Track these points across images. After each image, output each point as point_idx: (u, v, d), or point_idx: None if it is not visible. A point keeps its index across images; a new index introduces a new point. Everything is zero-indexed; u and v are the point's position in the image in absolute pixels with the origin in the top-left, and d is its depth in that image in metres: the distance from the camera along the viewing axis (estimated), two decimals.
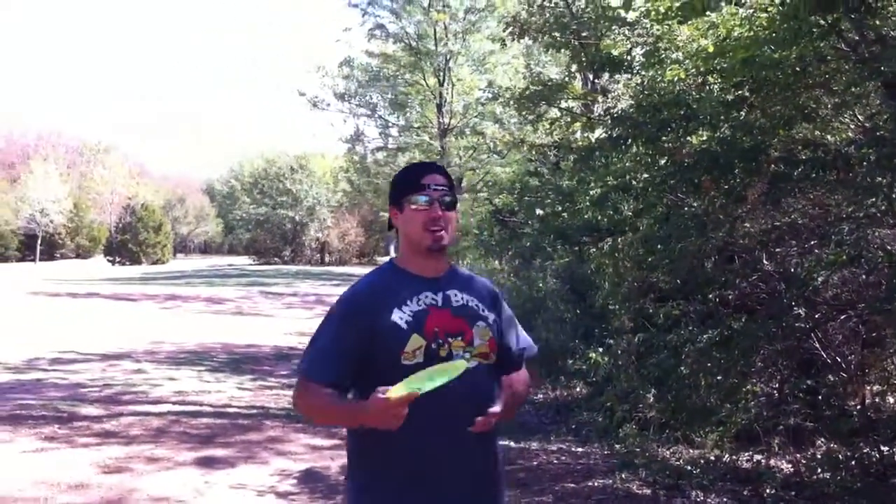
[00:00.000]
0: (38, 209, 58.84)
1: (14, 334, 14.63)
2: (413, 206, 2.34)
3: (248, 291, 27.43)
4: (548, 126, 12.23)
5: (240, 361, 12.24)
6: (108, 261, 57.02)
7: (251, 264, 52.25)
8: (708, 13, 6.01)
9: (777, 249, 5.81)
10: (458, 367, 2.17)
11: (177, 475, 6.10)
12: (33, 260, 57.78)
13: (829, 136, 5.48)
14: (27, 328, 15.58)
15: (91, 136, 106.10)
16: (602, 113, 10.05)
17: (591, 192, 8.32)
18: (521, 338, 2.57)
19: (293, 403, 2.41)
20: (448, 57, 26.50)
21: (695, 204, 6.21)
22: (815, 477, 5.35)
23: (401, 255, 2.43)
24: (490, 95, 23.07)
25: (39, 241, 59.71)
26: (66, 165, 70.78)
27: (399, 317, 2.27)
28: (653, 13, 7.27)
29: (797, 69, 5.21)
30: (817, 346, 5.59)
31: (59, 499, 5.48)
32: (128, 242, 56.55)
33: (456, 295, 2.39)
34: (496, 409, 2.33)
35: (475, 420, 2.25)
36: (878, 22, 4.89)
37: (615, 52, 8.94)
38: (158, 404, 8.67)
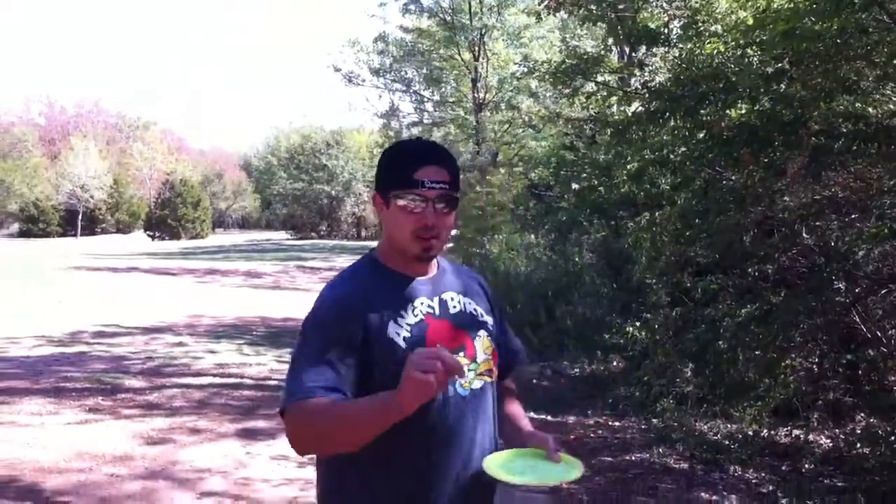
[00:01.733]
0: (78, 185, 59.54)
1: (57, 308, 14.90)
2: (401, 204, 1.87)
3: (286, 266, 27.64)
4: (584, 100, 12.11)
5: (278, 335, 12.36)
6: (148, 236, 57.67)
7: (288, 239, 52.61)
8: None
9: (817, 223, 5.76)
10: (571, 472, 1.89)
11: (219, 446, 6.20)
12: (74, 235, 58.61)
13: (870, 109, 5.40)
14: (70, 302, 15.84)
15: (130, 110, 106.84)
16: (639, 87, 9.95)
17: (629, 167, 8.28)
18: (513, 341, 2.21)
19: (292, 444, 1.76)
20: (483, 31, 26.29)
21: (734, 178, 6.17)
22: (854, 452, 5.33)
23: (383, 251, 1.99)
24: (525, 70, 22.84)
25: (80, 217, 60.51)
26: (106, 142, 71.46)
27: (396, 332, 1.84)
28: None
29: (838, 41, 5.13)
30: (857, 320, 5.55)
31: (103, 469, 5.59)
32: (167, 218, 57.08)
33: (452, 299, 1.98)
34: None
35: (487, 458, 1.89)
36: None
37: (652, 25, 8.86)
38: (200, 377, 8.80)
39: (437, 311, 1.93)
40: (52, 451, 5.94)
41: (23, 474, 5.42)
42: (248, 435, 6.53)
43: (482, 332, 1.99)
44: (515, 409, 2.17)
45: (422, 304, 1.91)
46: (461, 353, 1.90)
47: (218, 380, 8.65)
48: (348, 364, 1.78)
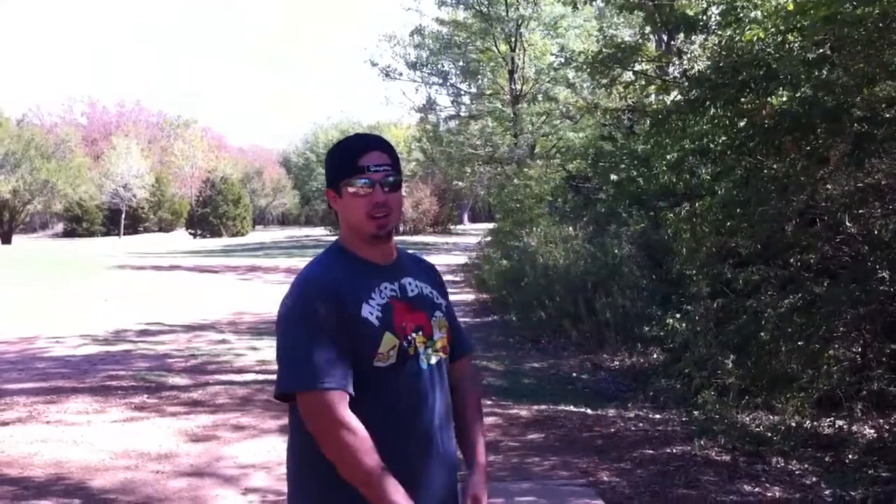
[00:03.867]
0: (121, 184, 60.33)
1: (102, 307, 15.12)
2: (352, 191, 2.06)
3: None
4: (622, 90, 12.06)
5: None
6: (190, 234, 58.26)
7: (328, 234, 52.74)
8: None
9: (860, 211, 5.67)
10: None
11: (262, 443, 6.24)
12: (118, 234, 59.45)
13: None
14: (114, 301, 16.08)
15: (170, 109, 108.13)
16: (678, 75, 9.88)
17: (668, 157, 8.20)
18: (460, 329, 2.35)
19: (316, 429, 1.97)
20: (519, 22, 26.19)
21: (775, 166, 6.10)
22: None
23: (345, 239, 2.16)
24: (562, 60, 22.74)
25: (123, 216, 61.37)
26: (147, 141, 72.34)
27: (369, 312, 2.02)
28: None
29: (880, 25, 5.04)
30: None
31: (149, 467, 5.64)
32: (208, 215, 57.61)
33: (410, 283, 2.16)
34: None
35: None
36: None
37: (690, 12, 8.77)
38: (242, 373, 8.87)
39: (398, 294, 2.11)
40: (98, 450, 6.00)
41: (70, 472, 5.50)
42: None
43: (438, 313, 2.19)
44: (471, 413, 2.30)
45: (385, 287, 2.10)
46: (420, 332, 2.10)
47: (260, 376, 8.70)
48: (343, 343, 1.97)
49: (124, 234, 59.31)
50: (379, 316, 2.03)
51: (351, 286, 2.04)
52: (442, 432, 2.13)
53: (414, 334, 2.08)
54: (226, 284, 20.18)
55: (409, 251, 2.35)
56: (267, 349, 10.48)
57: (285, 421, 6.73)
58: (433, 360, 2.12)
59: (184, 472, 5.58)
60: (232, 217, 58.62)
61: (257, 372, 8.95)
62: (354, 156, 2.08)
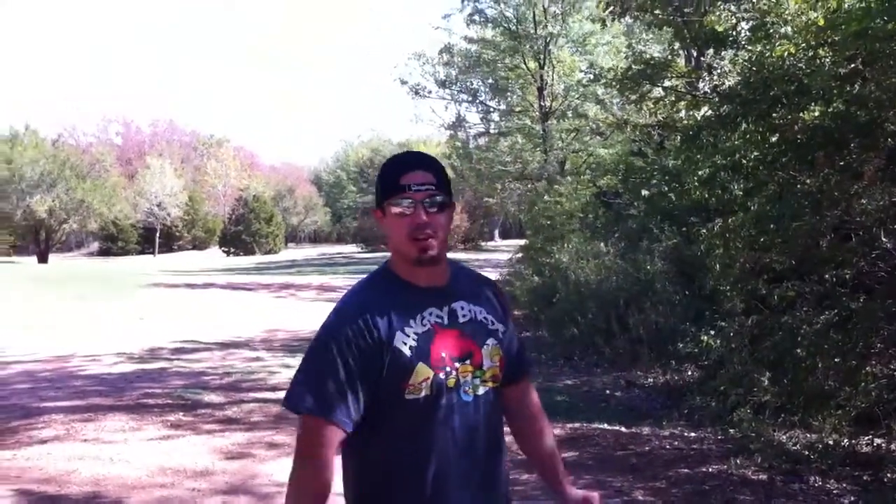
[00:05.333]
0: (155, 203, 61.00)
1: (138, 324, 15.31)
2: (394, 211, 1.97)
3: (358, 279, 27.81)
4: (651, 106, 12.04)
5: None
6: (223, 252, 58.72)
7: (359, 252, 53.00)
8: None
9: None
10: None
11: None
12: (152, 252, 60.07)
13: None
14: (149, 318, 16.26)
15: (203, 128, 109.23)
16: (708, 91, 9.85)
17: (699, 172, 8.17)
18: (523, 353, 2.30)
19: (296, 449, 1.97)
20: (548, 39, 26.24)
21: (808, 181, 6.06)
22: None
23: (392, 261, 2.08)
24: (591, 77, 22.76)
25: (158, 234, 62.03)
26: (181, 160, 73.13)
27: (403, 341, 1.93)
28: None
29: None
30: None
31: (185, 484, 5.70)
32: (241, 233, 58.07)
33: (462, 308, 2.05)
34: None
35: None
36: None
37: (720, 28, 8.75)
38: (276, 391, 8.92)
39: (445, 321, 2.01)
40: (135, 467, 6.08)
41: (107, 490, 5.57)
42: None
43: (491, 341, 2.07)
44: (547, 441, 2.26)
45: (430, 313, 2.00)
46: (467, 361, 2.00)
47: None
48: (359, 375, 1.90)
49: (159, 253, 59.91)
50: (413, 346, 1.94)
51: (391, 312, 1.96)
52: (488, 464, 2.05)
53: (458, 364, 1.99)
54: (259, 302, 20.35)
55: (469, 269, 2.27)
56: None
57: None
58: (480, 391, 2.02)
59: (220, 489, 5.62)
60: (264, 235, 59.05)
61: None
62: (397, 174, 1.99)
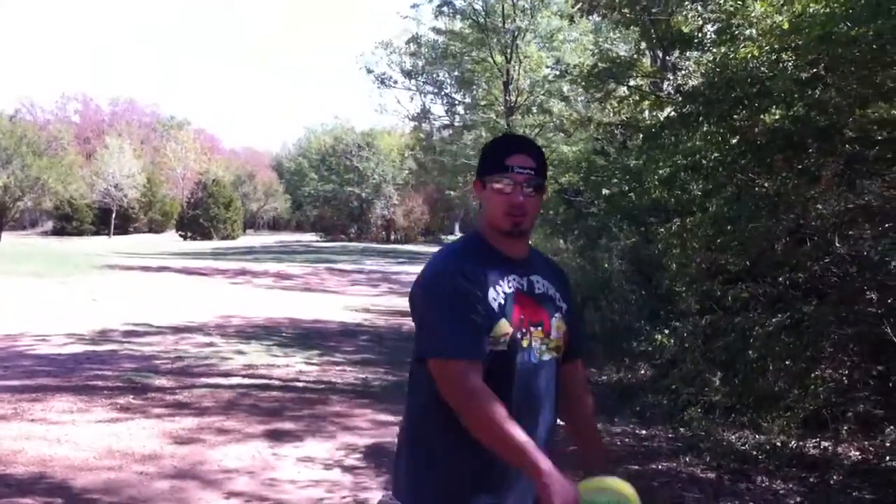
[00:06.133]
0: (112, 184, 60.21)
1: (90, 306, 15.05)
2: (496, 187, 2.18)
3: (315, 268, 27.73)
4: (616, 104, 12.08)
5: (307, 336, 12.40)
6: (180, 235, 58.17)
7: (318, 241, 52.78)
8: None
9: (850, 232, 5.68)
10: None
11: (246, 447, 6.21)
12: (107, 234, 59.29)
13: None
14: (102, 300, 16.00)
15: (164, 109, 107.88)
16: (672, 91, 9.90)
17: (660, 172, 8.21)
18: (582, 334, 2.50)
19: (451, 394, 2.06)
20: (515, 34, 26.27)
21: (766, 184, 6.11)
22: (883, 465, 5.24)
23: (484, 229, 2.27)
24: (557, 73, 22.84)
25: (113, 216, 61.19)
26: (140, 140, 72.29)
27: (493, 297, 2.12)
28: None
29: (874, 46, 5.06)
30: (889, 331, 5.46)
31: (133, 468, 5.60)
32: (199, 218, 57.54)
33: (538, 281, 2.26)
34: None
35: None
36: None
37: (686, 29, 8.79)
38: (228, 377, 8.82)
39: (524, 288, 2.20)
40: (82, 449, 5.97)
41: (53, 471, 5.46)
42: (275, 436, 6.55)
43: (558, 314, 2.27)
44: (589, 413, 2.50)
45: (514, 279, 2.19)
46: (539, 327, 2.19)
47: (246, 380, 8.67)
48: (475, 317, 2.06)
49: (114, 234, 59.12)
50: (500, 302, 2.12)
51: (485, 270, 2.15)
52: (544, 427, 2.21)
53: (532, 328, 2.17)
54: (214, 287, 20.13)
55: (542, 253, 2.47)
56: (254, 353, 10.45)
57: (269, 426, 6.77)
58: (546, 357, 2.20)
59: (167, 474, 5.54)
60: (222, 220, 58.59)
61: (243, 376, 8.92)
62: (502, 154, 2.19)
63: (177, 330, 12.32)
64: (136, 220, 65.83)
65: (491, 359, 2.08)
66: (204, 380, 8.67)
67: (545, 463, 1.95)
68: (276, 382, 8.70)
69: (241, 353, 10.47)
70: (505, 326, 2.11)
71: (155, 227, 67.23)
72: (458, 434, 2.06)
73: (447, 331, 2.07)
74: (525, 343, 2.15)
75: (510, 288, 2.16)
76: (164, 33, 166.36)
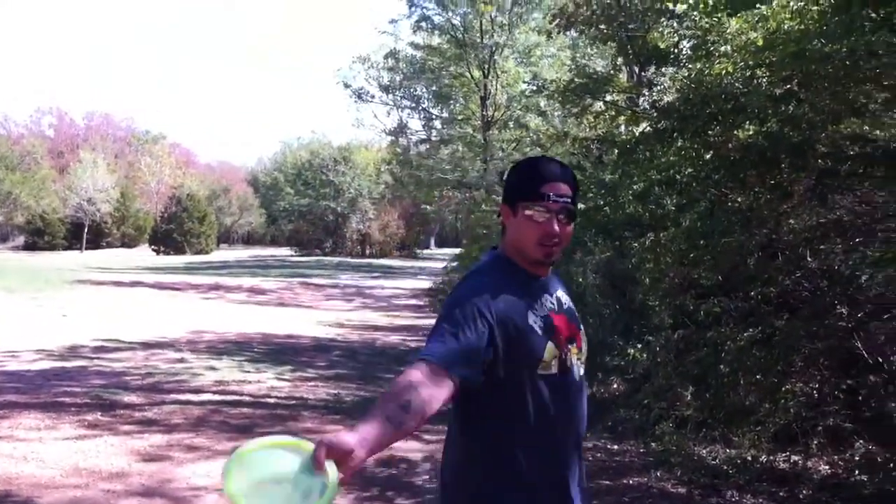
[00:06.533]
0: (85, 198, 59.69)
1: (60, 322, 14.85)
2: (528, 213, 2.10)
3: (290, 282, 27.59)
4: (592, 119, 12.13)
5: (279, 352, 12.30)
6: (153, 250, 57.71)
7: (293, 255, 52.56)
8: (758, 6, 5.92)
9: (822, 247, 5.71)
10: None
11: (215, 464, 6.11)
12: (80, 248, 58.69)
13: (878, 132, 5.36)
14: (73, 316, 15.80)
15: (140, 123, 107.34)
16: (647, 106, 9.95)
17: (634, 187, 8.23)
18: None
19: (398, 378, 1.90)
20: (493, 49, 26.41)
21: (739, 199, 6.13)
22: (852, 479, 5.25)
23: (509, 252, 2.19)
24: (534, 88, 22.95)
25: (86, 230, 60.62)
26: (114, 155, 71.79)
27: (533, 320, 2.08)
28: (702, 5, 7.20)
29: (847, 63, 5.10)
30: (859, 345, 5.49)
31: (100, 486, 5.53)
32: (173, 232, 57.17)
33: (561, 298, 2.23)
34: None
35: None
36: None
37: (662, 45, 8.85)
38: (199, 393, 8.71)
39: (556, 307, 2.18)
40: (49, 466, 5.88)
41: (19, 489, 5.37)
42: None
43: (581, 327, 2.27)
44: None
45: (547, 299, 2.16)
46: (573, 344, 2.17)
47: (217, 396, 8.57)
48: (484, 341, 1.97)
49: (86, 249, 58.55)
50: (542, 326, 2.08)
51: (516, 293, 2.09)
52: (580, 440, 2.24)
53: (569, 345, 2.15)
54: (187, 302, 19.97)
55: None
56: (226, 369, 10.34)
57: (239, 443, 6.62)
58: (582, 372, 2.21)
59: (135, 491, 5.46)
60: (196, 234, 58.26)
61: (214, 392, 8.82)
62: (538, 181, 2.11)
63: (147, 346, 12.18)
64: (109, 235, 65.23)
65: (546, 384, 2.06)
66: (174, 396, 8.56)
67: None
68: (248, 398, 8.61)
69: (212, 368, 10.35)
70: (553, 349, 2.08)
71: (128, 242, 66.66)
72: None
73: (435, 340, 1.97)
74: (568, 363, 2.14)
75: (546, 309, 2.13)
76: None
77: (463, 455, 2.14)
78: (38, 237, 61.24)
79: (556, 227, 2.08)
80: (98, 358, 10.90)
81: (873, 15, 4.76)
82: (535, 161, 2.23)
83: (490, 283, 2.09)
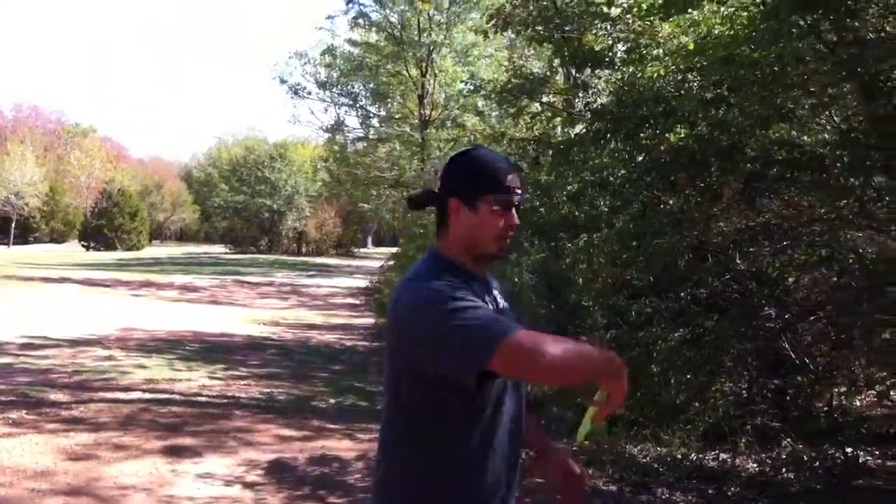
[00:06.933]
0: (13, 192, 58.08)
1: None
2: (495, 209, 2.03)
3: (223, 280, 27.25)
4: (528, 120, 12.19)
5: (212, 350, 12.14)
6: (83, 246, 56.38)
7: (227, 253, 51.87)
8: (689, 10, 6.02)
9: (750, 249, 5.83)
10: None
11: (144, 463, 6.05)
12: (7, 243, 57.10)
13: (805, 137, 5.50)
14: None
15: (70, 114, 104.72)
16: (583, 108, 10.05)
17: (569, 188, 8.30)
18: None
19: (534, 358, 1.82)
20: (431, 48, 26.38)
21: (671, 201, 6.22)
22: (779, 477, 5.38)
23: (451, 251, 2.09)
24: (472, 88, 22.98)
25: (13, 225, 59.00)
26: (43, 148, 69.87)
27: None
28: (635, 9, 7.27)
29: (776, 69, 5.22)
30: (786, 346, 5.62)
31: (24, 484, 5.43)
32: (103, 228, 55.90)
33: (498, 297, 2.17)
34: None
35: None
36: (856, 23, 4.89)
37: (597, 48, 8.91)
38: (128, 391, 8.57)
39: (496, 307, 2.09)
40: None
41: None
42: (174, 452, 6.37)
43: None
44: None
45: (488, 300, 2.06)
46: None
47: (146, 395, 8.43)
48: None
49: (13, 244, 56.94)
50: None
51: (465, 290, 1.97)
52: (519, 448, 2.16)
53: None
54: (117, 300, 19.56)
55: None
56: (156, 367, 10.16)
57: (168, 442, 6.58)
58: None
59: (60, 490, 5.38)
60: (128, 230, 57.08)
61: (143, 390, 8.67)
62: (502, 175, 2.06)
63: (75, 343, 11.91)
64: (38, 230, 63.56)
65: (492, 389, 1.96)
66: (102, 394, 8.40)
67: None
68: (178, 397, 8.48)
69: (141, 367, 10.17)
70: None
71: (57, 237, 65.05)
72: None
73: (474, 324, 1.83)
74: None
75: (490, 306, 2.03)
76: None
77: (405, 464, 2.03)
78: None
79: (516, 220, 2.05)
80: (24, 355, 10.64)
81: (801, 22, 4.87)
82: (489, 153, 2.17)
83: (440, 277, 1.98)
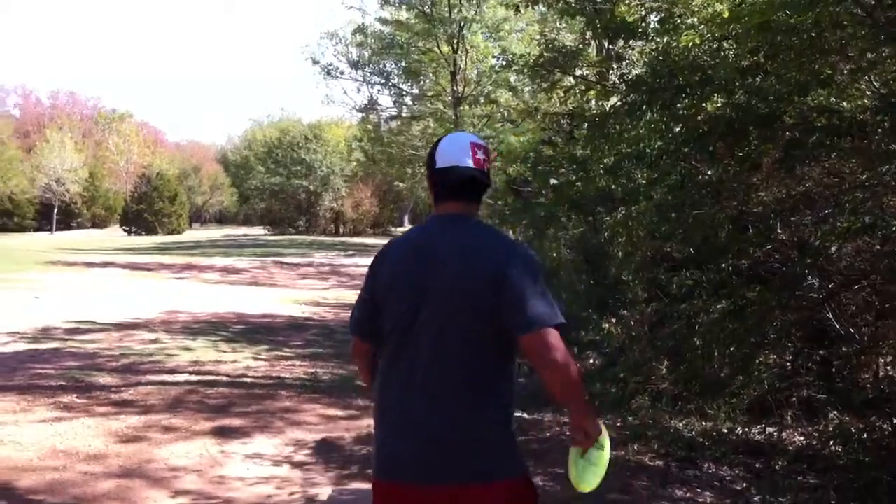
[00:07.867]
0: (53, 178, 58.89)
1: (32, 304, 14.71)
2: None
3: (263, 262, 27.48)
4: (562, 94, 12.09)
5: (255, 331, 12.28)
6: (124, 230, 57.12)
7: (266, 234, 52.30)
8: None
9: (791, 218, 5.75)
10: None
11: (193, 445, 6.14)
12: (50, 230, 58.01)
13: (844, 103, 5.39)
14: (45, 298, 15.66)
15: (107, 101, 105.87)
16: (616, 80, 9.94)
17: (605, 161, 8.23)
18: None
19: (557, 356, 2.43)
20: (462, 24, 26.22)
21: (709, 172, 6.15)
22: (826, 450, 5.33)
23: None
24: (504, 63, 22.84)
25: (56, 211, 59.90)
26: (82, 134, 70.72)
27: None
28: None
29: (813, 35, 5.11)
30: (830, 316, 5.54)
31: (77, 468, 5.53)
32: (143, 212, 56.54)
33: None
34: None
35: None
36: None
37: (630, 18, 8.81)
38: (175, 374, 8.71)
39: None
40: (25, 449, 5.87)
41: None
42: (223, 433, 6.47)
43: None
44: None
45: None
46: None
47: (193, 377, 8.56)
48: None
49: (57, 230, 57.87)
50: None
51: None
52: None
53: None
54: (160, 283, 19.85)
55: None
56: (200, 349, 10.31)
57: (216, 423, 6.67)
58: None
59: (113, 473, 5.48)
60: (168, 214, 57.69)
61: (190, 372, 8.80)
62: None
63: (121, 327, 12.11)
64: (79, 216, 64.53)
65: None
66: (149, 377, 8.54)
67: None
68: (224, 378, 8.60)
69: (187, 349, 10.33)
70: None
71: (98, 223, 66.00)
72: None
73: (551, 303, 2.36)
74: None
75: None
76: (103, 25, 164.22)
77: (509, 396, 2.52)
78: (8, 218, 60.51)
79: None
80: (71, 339, 10.84)
81: None
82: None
83: None
